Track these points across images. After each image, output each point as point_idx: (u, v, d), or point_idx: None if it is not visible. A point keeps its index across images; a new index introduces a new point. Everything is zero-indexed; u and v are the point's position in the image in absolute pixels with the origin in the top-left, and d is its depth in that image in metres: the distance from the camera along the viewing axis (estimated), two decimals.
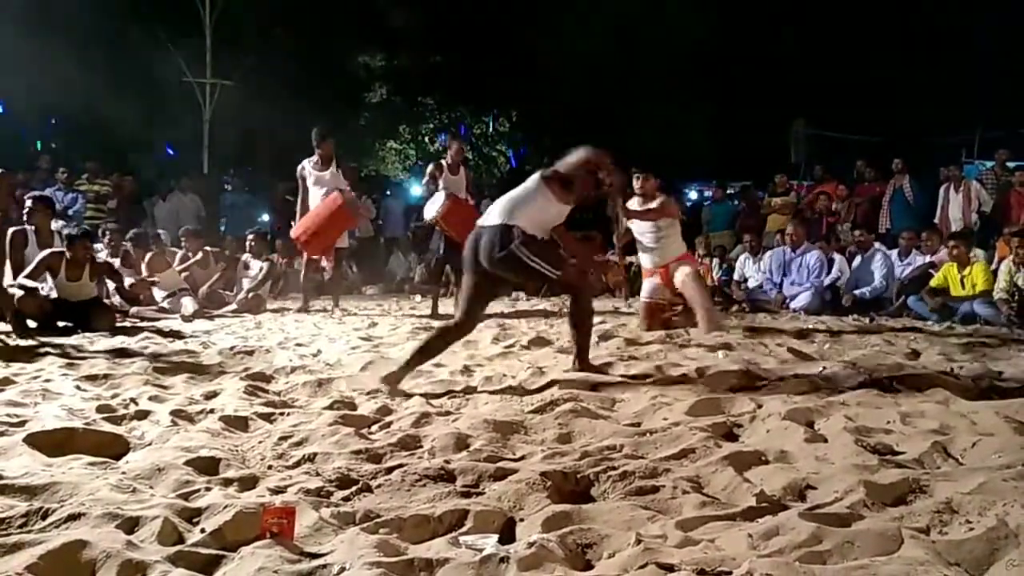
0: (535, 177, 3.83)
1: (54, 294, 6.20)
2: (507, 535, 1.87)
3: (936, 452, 2.41)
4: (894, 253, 8.58)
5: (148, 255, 8.13)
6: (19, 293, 5.92)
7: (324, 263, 7.88)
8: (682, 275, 5.66)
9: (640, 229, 5.88)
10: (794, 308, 8.14)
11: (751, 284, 8.94)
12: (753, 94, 17.24)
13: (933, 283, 7.61)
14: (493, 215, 3.71)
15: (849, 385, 3.57)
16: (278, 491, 2.18)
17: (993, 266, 7.76)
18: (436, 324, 6.60)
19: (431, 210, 6.84)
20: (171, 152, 17.13)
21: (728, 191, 12.39)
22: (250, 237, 8.85)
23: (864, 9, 16.94)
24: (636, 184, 5.79)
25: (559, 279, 3.75)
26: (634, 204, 5.83)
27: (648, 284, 5.97)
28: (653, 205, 5.72)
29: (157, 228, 9.87)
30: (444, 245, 7.04)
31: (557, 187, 3.78)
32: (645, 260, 5.98)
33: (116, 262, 7.99)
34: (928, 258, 8.19)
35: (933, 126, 15.16)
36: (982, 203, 9.64)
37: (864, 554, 1.64)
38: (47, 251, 6.29)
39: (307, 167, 7.55)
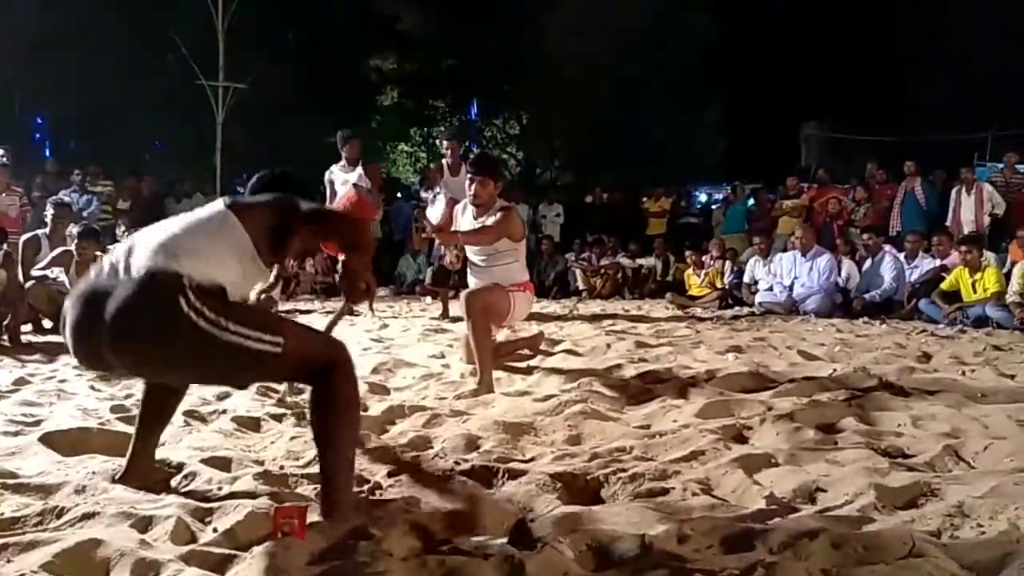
0: (218, 207, 2.17)
1: (67, 287, 6.26)
2: (518, 536, 1.88)
3: (947, 455, 2.40)
4: (903, 255, 8.53)
5: None
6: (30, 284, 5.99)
7: None
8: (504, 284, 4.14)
9: (472, 247, 4.27)
10: (804, 311, 8.11)
11: (761, 287, 8.92)
12: (763, 96, 17.21)
13: (944, 286, 7.57)
14: (138, 257, 1.98)
15: (860, 388, 3.56)
16: (290, 491, 2.19)
17: (1005, 269, 7.72)
18: (446, 325, 6.67)
19: (433, 216, 6.73)
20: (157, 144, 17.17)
21: (744, 192, 12.30)
22: None
23: (874, 12, 16.89)
24: (469, 189, 4.17)
25: (283, 355, 1.96)
26: (467, 217, 4.27)
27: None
28: (490, 221, 4.08)
29: None
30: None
31: (262, 234, 2.14)
32: (471, 282, 4.30)
33: None
34: (939, 261, 8.15)
35: (944, 128, 15.10)
36: (995, 205, 9.58)
37: (874, 557, 1.63)
38: (59, 249, 6.38)
39: (335, 171, 7.52)
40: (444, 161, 7.25)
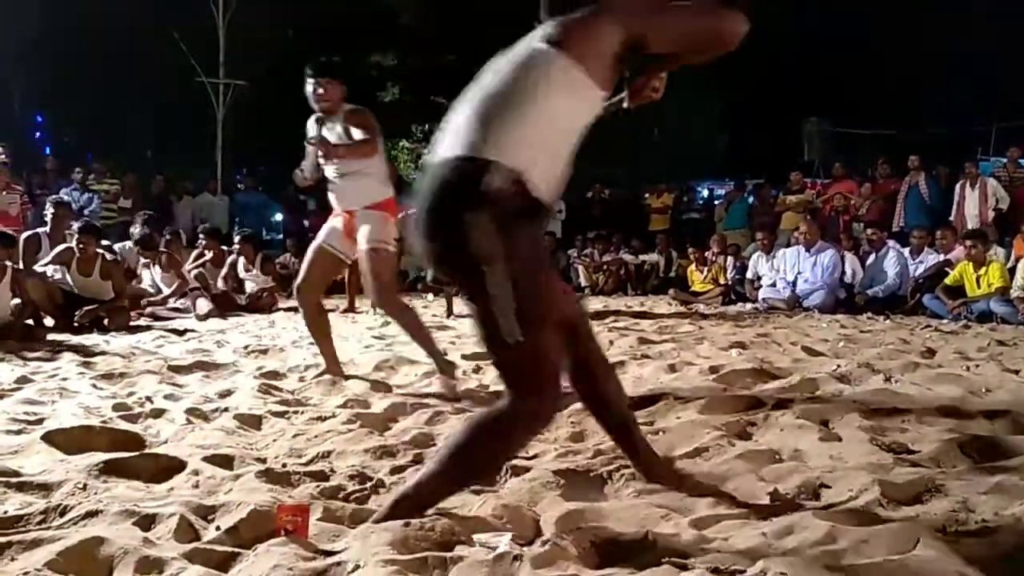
0: (536, 46, 1.80)
1: (69, 284, 6.28)
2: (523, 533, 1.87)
3: (952, 451, 2.39)
4: (907, 251, 8.52)
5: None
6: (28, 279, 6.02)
7: None
8: (365, 244, 3.84)
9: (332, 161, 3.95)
10: (808, 307, 8.10)
11: (764, 283, 8.91)
12: (765, 92, 17.18)
13: (948, 281, 7.56)
14: (457, 131, 1.80)
15: (863, 383, 3.55)
16: (293, 488, 2.19)
17: (1009, 264, 7.70)
18: (449, 323, 6.66)
19: None
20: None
21: (745, 189, 12.30)
22: (237, 239, 8.81)
23: (876, 6, 16.83)
24: (315, 93, 3.87)
25: (507, 351, 1.72)
26: (316, 130, 3.99)
27: (326, 226, 4.06)
28: (339, 128, 3.87)
29: (177, 227, 9.95)
30: None
31: (601, 61, 1.76)
32: (331, 198, 4.06)
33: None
34: (943, 256, 8.13)
35: (947, 123, 15.06)
36: (999, 200, 9.56)
37: (879, 553, 1.63)
38: (61, 246, 6.40)
39: None
40: None
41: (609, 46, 1.76)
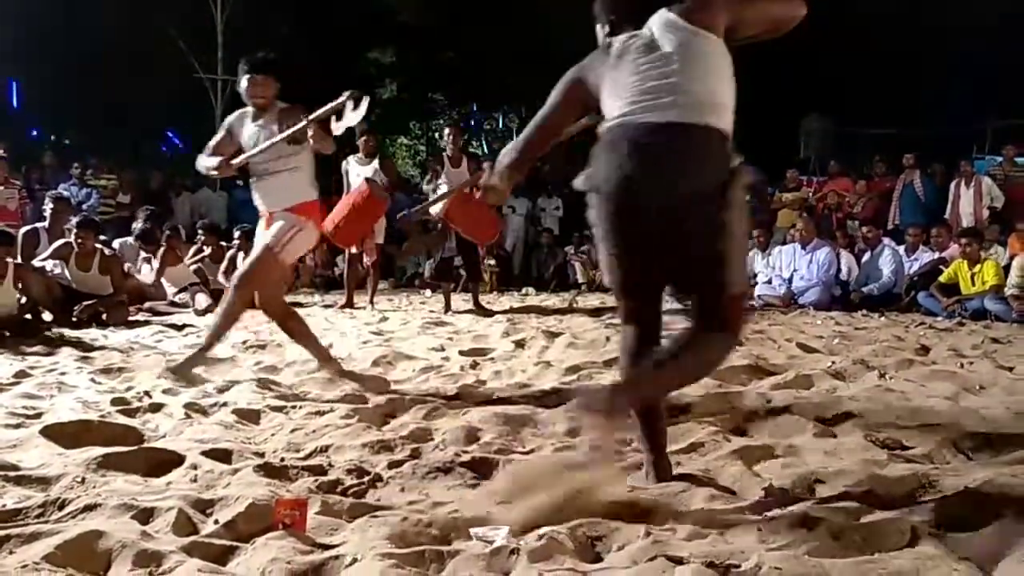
0: (679, 29, 1.96)
1: (68, 279, 6.28)
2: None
3: (945, 447, 2.41)
4: (902, 248, 8.55)
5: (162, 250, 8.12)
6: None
7: (365, 258, 7.87)
8: (267, 239, 3.67)
9: (258, 157, 3.73)
10: (803, 304, 8.12)
11: (760, 280, 8.92)
12: (762, 90, 17.15)
13: (943, 279, 7.58)
14: (689, 103, 1.93)
15: (858, 380, 3.57)
16: (291, 483, 2.20)
17: (1004, 261, 7.72)
18: (447, 319, 6.66)
19: (435, 207, 6.72)
20: (176, 141, 17.22)
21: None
22: (236, 235, 8.82)
23: (874, 4, 16.84)
24: (249, 90, 3.77)
25: (724, 295, 1.96)
26: (247, 126, 3.84)
27: (256, 242, 3.84)
28: (275, 127, 3.68)
29: (176, 222, 9.93)
30: (456, 241, 7.04)
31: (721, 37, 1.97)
32: (255, 199, 3.86)
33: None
34: (938, 254, 8.15)
35: (944, 122, 15.08)
36: (993, 199, 9.58)
37: (873, 549, 1.64)
38: (59, 241, 6.40)
39: (351, 162, 7.56)
40: (444, 153, 7.22)
41: (722, 30, 1.96)
